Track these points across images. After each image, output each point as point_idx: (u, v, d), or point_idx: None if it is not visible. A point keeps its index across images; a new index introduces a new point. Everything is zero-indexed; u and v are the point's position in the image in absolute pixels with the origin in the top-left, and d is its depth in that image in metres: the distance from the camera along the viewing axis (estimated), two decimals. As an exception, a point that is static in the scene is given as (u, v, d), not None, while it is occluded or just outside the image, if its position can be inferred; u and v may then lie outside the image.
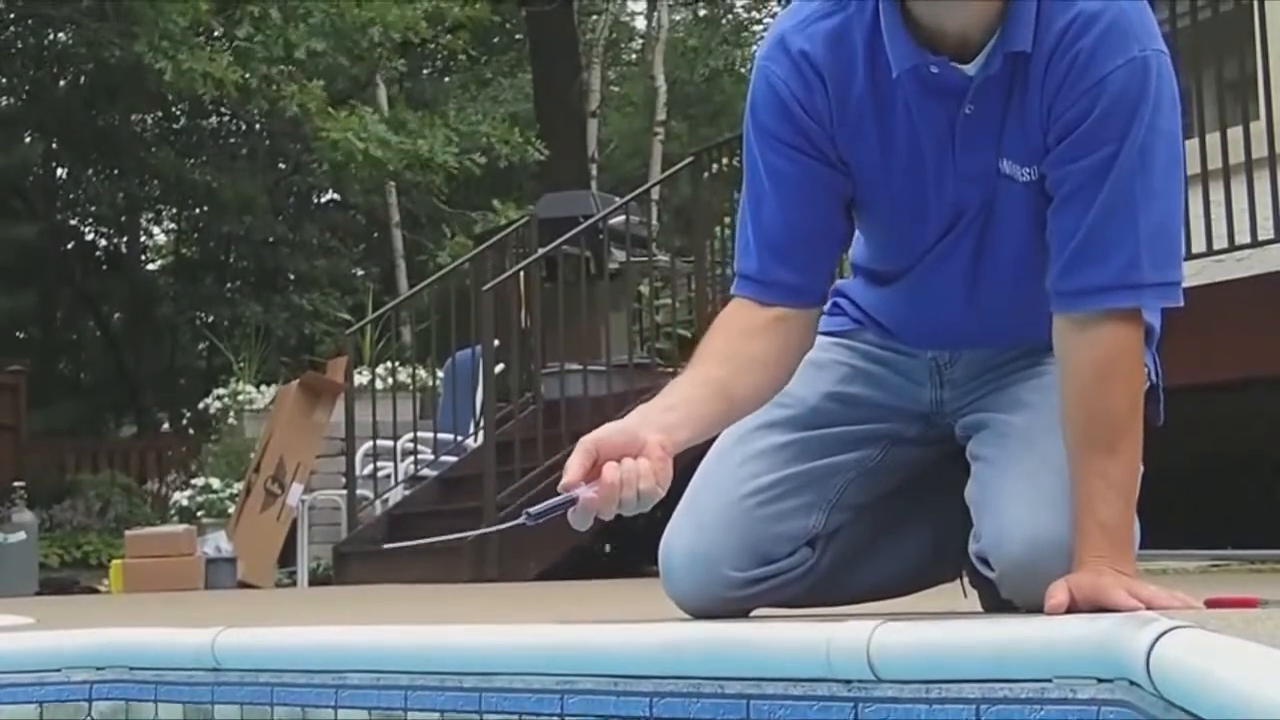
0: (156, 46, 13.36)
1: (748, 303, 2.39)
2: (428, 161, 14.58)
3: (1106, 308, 2.18)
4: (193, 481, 12.55)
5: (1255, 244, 5.74)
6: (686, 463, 2.28)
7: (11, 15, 20.20)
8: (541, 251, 9.53)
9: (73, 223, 23.62)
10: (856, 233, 2.51)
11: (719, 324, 2.40)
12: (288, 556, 10.75)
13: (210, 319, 21.75)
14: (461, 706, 2.28)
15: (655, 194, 12.17)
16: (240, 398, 13.16)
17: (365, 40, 14.67)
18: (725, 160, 9.45)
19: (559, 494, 2.10)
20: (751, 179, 2.41)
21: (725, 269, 9.14)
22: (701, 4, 26.08)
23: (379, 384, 11.32)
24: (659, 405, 2.24)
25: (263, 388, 13.28)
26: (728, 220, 9.21)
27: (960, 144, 2.28)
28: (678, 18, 25.63)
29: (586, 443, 2.13)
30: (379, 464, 10.65)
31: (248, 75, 13.71)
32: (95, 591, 10.41)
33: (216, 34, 14.62)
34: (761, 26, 25.38)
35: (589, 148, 19.52)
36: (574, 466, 2.10)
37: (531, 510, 2.11)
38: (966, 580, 2.55)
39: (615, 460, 2.11)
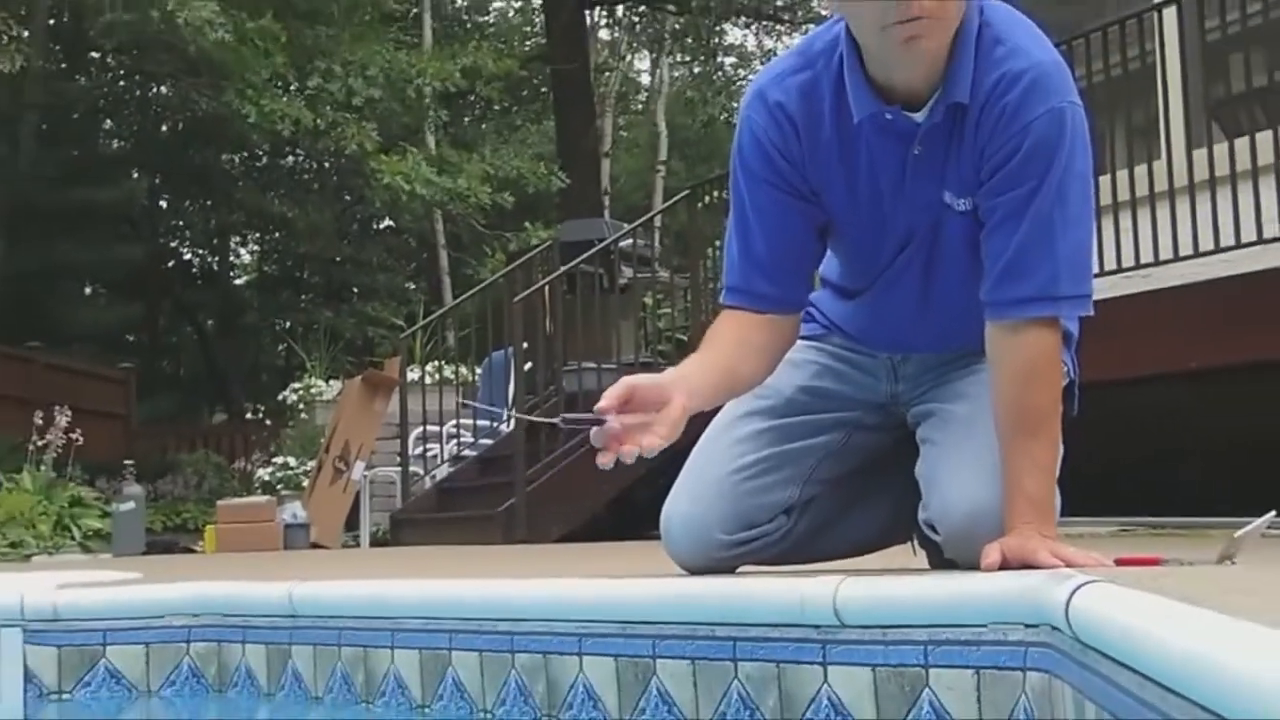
0: (243, 94, 13.35)
1: (737, 312, 2.39)
2: (465, 197, 14.61)
3: (1030, 316, 2.18)
4: (273, 460, 12.54)
5: (1157, 263, 5.75)
6: (683, 445, 2.29)
7: (121, 71, 20.21)
8: (563, 269, 9.53)
9: (173, 245, 23.63)
10: (828, 252, 2.53)
11: (726, 317, 2.41)
12: (352, 522, 10.74)
13: (287, 325, 21.75)
14: (497, 647, 2.28)
15: (658, 221, 12.17)
16: (312, 390, 13.14)
17: (412, 89, 14.67)
18: (716, 193, 9.44)
19: (593, 413, 2.12)
20: (738, 210, 2.41)
21: (717, 283, 9.14)
22: (696, 63, 26.03)
23: (428, 379, 11.31)
24: (687, 373, 2.26)
25: (331, 382, 13.26)
26: (719, 243, 9.19)
27: (910, 179, 2.29)
28: (677, 74, 25.61)
29: (627, 381, 2.14)
30: (428, 445, 10.66)
31: (317, 119, 13.72)
32: (192, 551, 10.42)
33: (292, 86, 14.61)
34: (745, 81, 25.36)
35: (602, 182, 19.51)
36: (611, 395, 2.12)
37: (566, 416, 2.21)
38: (916, 542, 2.56)
39: (647, 402, 2.13)
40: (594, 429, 2.10)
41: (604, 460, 2.11)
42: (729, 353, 2.35)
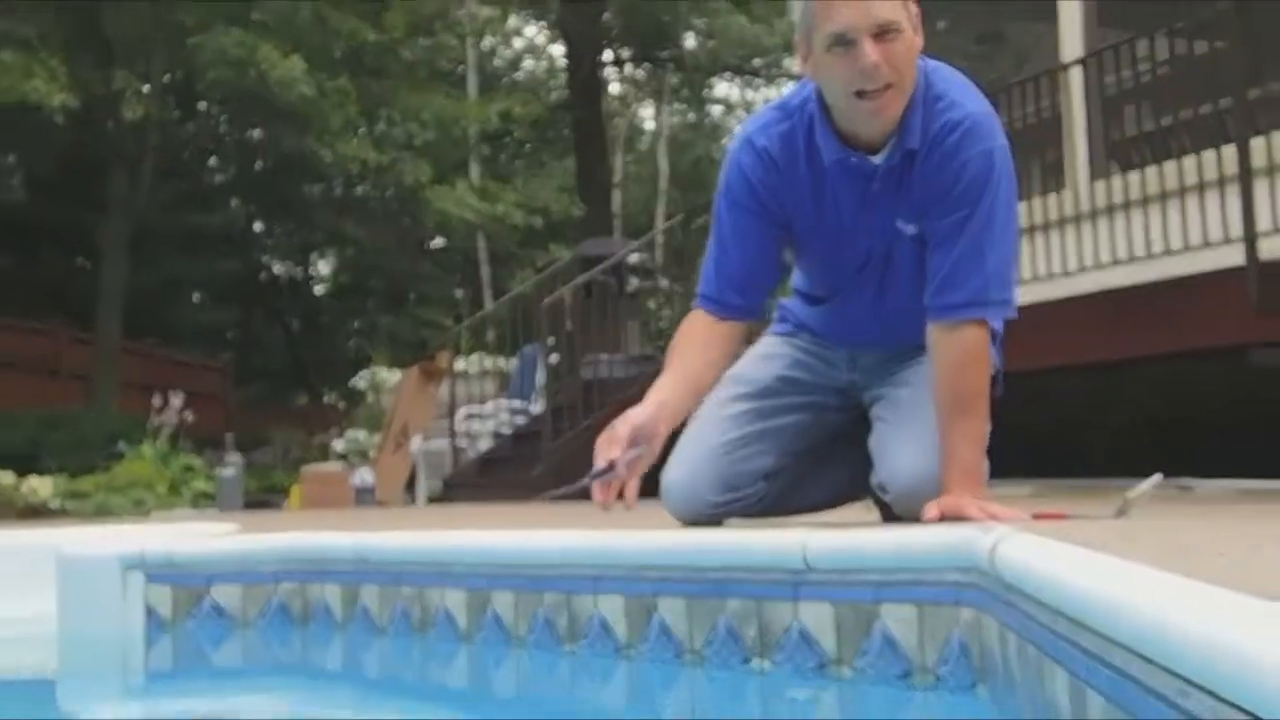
0: (321, 138, 13.40)
1: (707, 315, 2.41)
2: (502, 221, 14.64)
3: (964, 318, 2.19)
4: (346, 434, 12.53)
5: (1065, 274, 5.75)
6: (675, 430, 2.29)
7: (224, 118, 20.20)
8: (582, 278, 9.52)
9: (265, 260, 23.57)
10: (796, 265, 2.54)
11: (690, 333, 2.42)
12: (410, 485, 10.74)
13: (357, 325, 21.74)
14: (528, 587, 2.28)
15: (659, 240, 12.15)
16: (378, 378, 13.13)
17: (457, 130, 14.69)
18: (706, 217, 9.43)
19: (605, 464, 2.21)
20: (718, 232, 2.43)
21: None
22: (690, 111, 25.99)
23: (472, 369, 11.31)
24: (664, 400, 2.29)
25: (393, 371, 13.24)
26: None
27: (870, 210, 2.29)
28: (674, 120, 25.59)
29: (626, 428, 2.21)
30: (472, 423, 10.66)
31: (382, 158, 13.75)
32: (281, 509, 10.42)
33: (361, 130, 14.62)
34: (732, 125, 25.31)
35: (613, 208, 19.46)
36: (618, 442, 2.20)
37: (592, 475, 2.24)
38: (870, 502, 2.56)
39: (643, 436, 2.23)
40: (602, 477, 2.19)
41: (607, 504, 2.19)
42: (695, 367, 2.38)
